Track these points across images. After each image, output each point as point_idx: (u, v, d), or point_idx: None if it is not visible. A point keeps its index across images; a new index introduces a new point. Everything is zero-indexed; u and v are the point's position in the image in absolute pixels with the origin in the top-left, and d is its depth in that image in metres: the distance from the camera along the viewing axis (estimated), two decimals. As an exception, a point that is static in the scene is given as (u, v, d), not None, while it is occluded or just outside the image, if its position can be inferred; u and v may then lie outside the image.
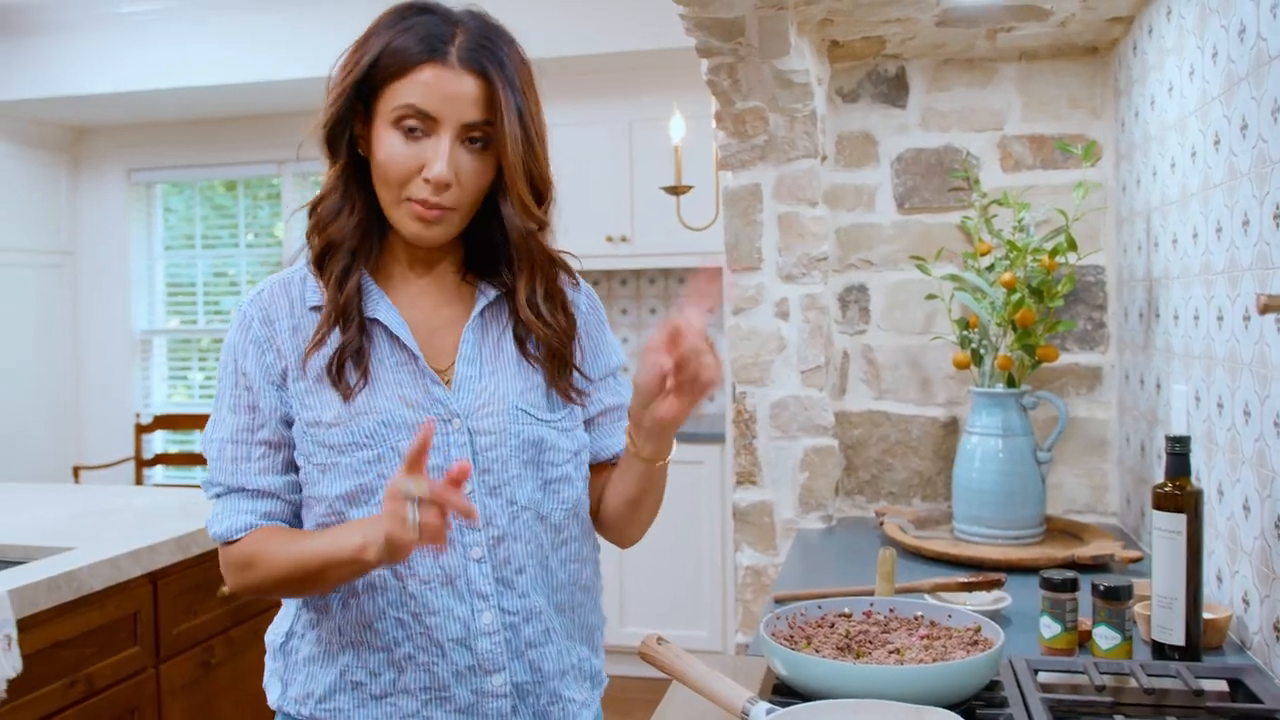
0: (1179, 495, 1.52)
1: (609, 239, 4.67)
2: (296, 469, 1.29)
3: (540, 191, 1.29)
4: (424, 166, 1.21)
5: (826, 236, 2.53)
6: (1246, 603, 1.59)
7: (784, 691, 1.35)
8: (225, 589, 1.38)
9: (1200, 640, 1.52)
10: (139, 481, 5.57)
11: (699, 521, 4.33)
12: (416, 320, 1.30)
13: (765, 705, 1.20)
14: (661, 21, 3.85)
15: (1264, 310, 1.08)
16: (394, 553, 1.12)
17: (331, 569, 1.20)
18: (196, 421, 5.62)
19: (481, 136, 1.23)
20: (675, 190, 2.98)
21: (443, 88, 1.20)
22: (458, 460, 1.22)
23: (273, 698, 1.34)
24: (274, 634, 1.37)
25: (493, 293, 1.32)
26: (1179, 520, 1.51)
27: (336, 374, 1.23)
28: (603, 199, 4.66)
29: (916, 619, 1.46)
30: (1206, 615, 1.57)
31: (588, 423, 1.39)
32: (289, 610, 1.35)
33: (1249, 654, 1.57)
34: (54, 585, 2.00)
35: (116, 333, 5.91)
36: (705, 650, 4.13)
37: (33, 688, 1.95)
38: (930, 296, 2.52)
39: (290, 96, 5.12)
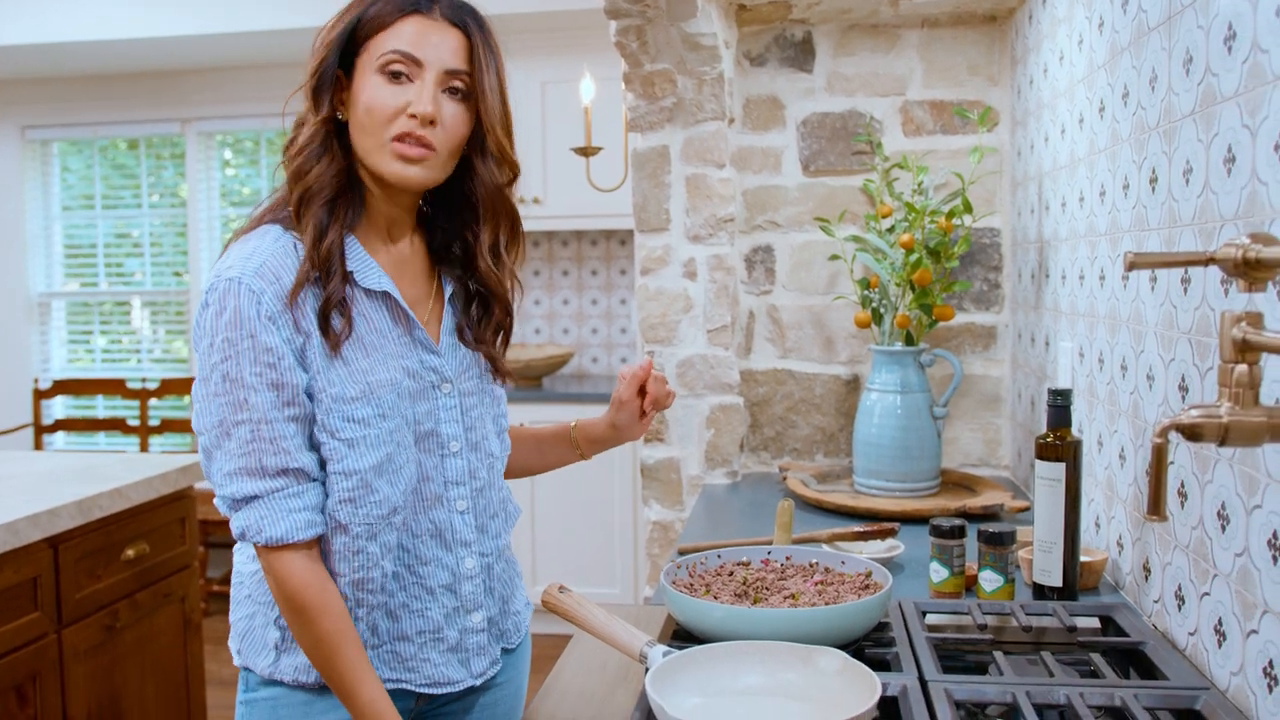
0: (1059, 445, 1.60)
1: (521, 200, 4.61)
2: (316, 446, 1.26)
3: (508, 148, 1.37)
4: (408, 105, 1.25)
5: (733, 198, 2.57)
6: (1121, 546, 1.68)
7: (684, 637, 1.40)
8: (279, 599, 1.27)
9: (1077, 582, 1.60)
10: (39, 448, 5.42)
11: (610, 479, 4.38)
12: (403, 288, 1.34)
13: (663, 648, 1.25)
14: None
15: (1130, 267, 1.15)
16: None
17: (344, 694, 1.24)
18: (99, 386, 5.49)
19: (461, 88, 1.29)
20: (585, 152, 2.99)
21: (426, 34, 1.27)
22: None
23: (262, 665, 1.32)
24: (257, 607, 1.34)
25: (454, 282, 1.40)
26: (1059, 469, 1.59)
27: (323, 324, 1.23)
28: (515, 161, 4.63)
29: (811, 566, 1.52)
30: (1083, 558, 1.66)
31: None
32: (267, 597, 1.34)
33: (1121, 594, 1.67)
34: (-51, 549, 1.97)
35: (13, 296, 5.72)
36: (616, 604, 4.19)
37: (-71, 653, 1.92)
38: (834, 257, 2.58)
39: (195, 53, 4.99)
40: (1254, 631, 1.19)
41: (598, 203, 3.90)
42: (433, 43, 1.27)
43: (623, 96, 2.63)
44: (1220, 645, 1.28)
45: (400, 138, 1.25)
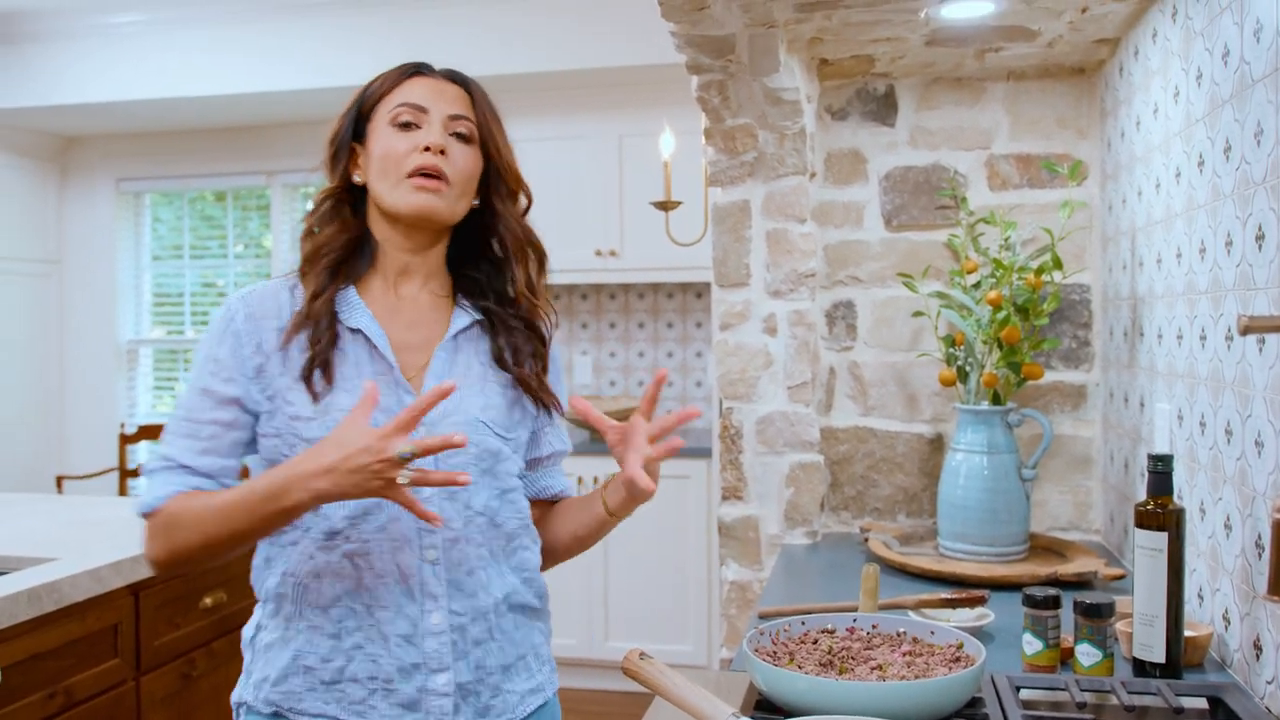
0: (1161, 513, 1.52)
1: (598, 253, 4.67)
2: (242, 455, 1.37)
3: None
4: (419, 144, 1.36)
5: (814, 253, 2.54)
6: (1227, 620, 1.59)
7: (766, 707, 1.35)
8: (151, 561, 1.34)
9: (1181, 658, 1.52)
10: (123, 492, 5.54)
11: (685, 536, 4.33)
12: (394, 334, 1.39)
13: (747, 720, 1.20)
14: (652, 37, 3.86)
15: (1245, 331, 1.09)
16: (359, 493, 1.21)
17: (270, 516, 1.25)
18: (182, 432, 5.60)
19: (465, 132, 1.40)
20: (664, 205, 2.99)
21: (429, 89, 1.40)
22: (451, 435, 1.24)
23: (236, 692, 1.40)
24: (246, 631, 1.43)
25: (473, 315, 1.43)
26: (1160, 538, 1.52)
27: (307, 379, 1.32)
28: (592, 213, 4.67)
29: (899, 635, 1.47)
30: (1188, 633, 1.58)
31: (534, 462, 1.52)
32: (259, 607, 1.41)
33: (1229, 672, 1.58)
34: (34, 596, 1.99)
35: (102, 342, 5.89)
36: (690, 665, 4.12)
37: (12, 699, 1.94)
38: (917, 314, 2.53)
39: (280, 108, 5.13)
40: (1383, 721, 1.11)
41: (674, 256, 3.89)
42: (435, 91, 1.40)
43: (702, 150, 2.63)
44: (1344, 734, 1.20)
45: (414, 173, 1.35)
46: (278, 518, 1.25)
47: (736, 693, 1.48)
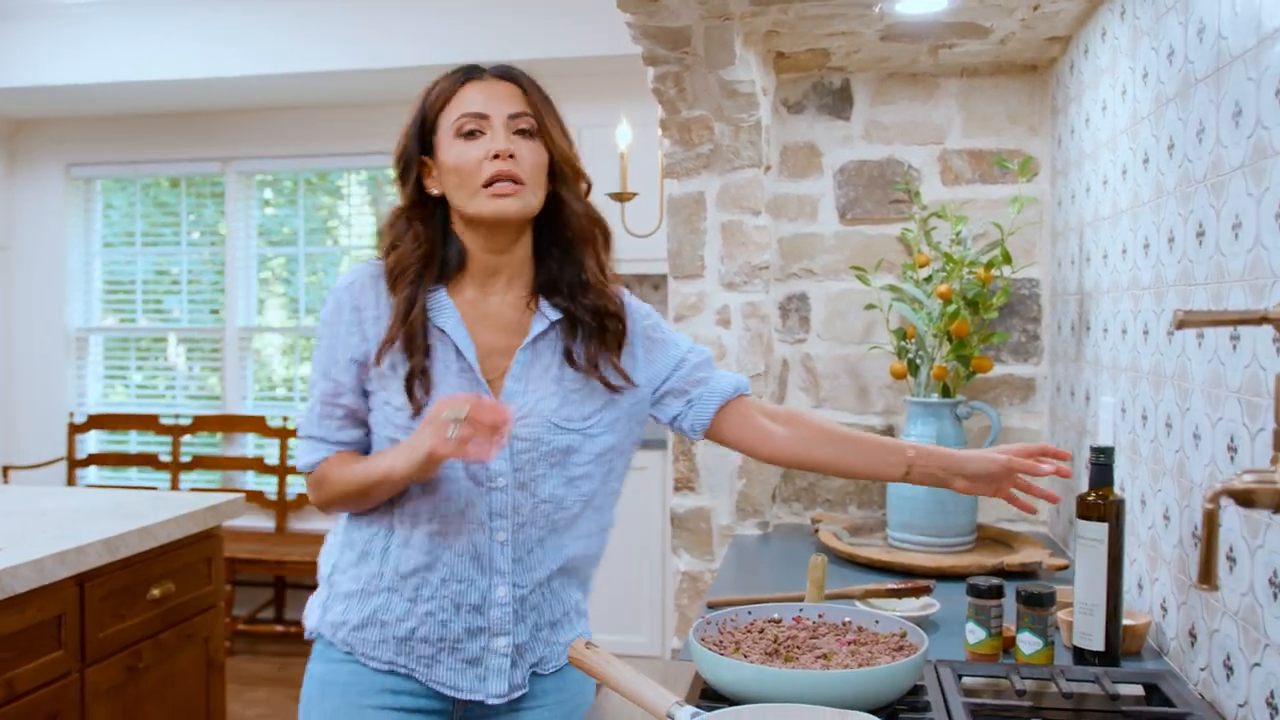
0: (1101, 504, 1.55)
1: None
2: (368, 422, 1.52)
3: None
4: (488, 152, 1.44)
5: (769, 245, 2.55)
6: (1165, 610, 1.62)
7: (712, 696, 1.36)
8: (314, 505, 1.55)
9: (1119, 646, 1.55)
10: (71, 482, 5.47)
11: (639, 527, 4.34)
12: (480, 337, 1.50)
13: (690, 710, 1.21)
14: (609, 29, 3.85)
15: (1180, 325, 1.11)
16: (425, 468, 1.37)
17: (372, 486, 1.44)
18: (133, 421, 5.53)
19: (527, 127, 1.47)
20: (620, 197, 2.99)
21: (485, 92, 1.47)
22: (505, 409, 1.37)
23: (311, 622, 1.55)
24: (323, 565, 1.58)
25: (551, 317, 1.51)
26: (1101, 529, 1.54)
27: (409, 393, 1.45)
28: (550, 204, 4.65)
29: (845, 625, 1.48)
30: (1126, 621, 1.61)
31: (694, 382, 1.60)
32: (334, 546, 1.57)
33: (1166, 659, 1.61)
34: (-25, 585, 1.96)
35: (51, 330, 5.79)
36: (643, 655, 4.14)
37: (-49, 690, 1.91)
38: (869, 306, 2.55)
39: (236, 94, 5.07)
40: (1310, 707, 1.14)
41: (631, 247, 3.87)
42: (492, 96, 1.47)
43: (659, 142, 2.63)
44: (1273, 719, 1.23)
45: (490, 182, 1.43)
46: (381, 486, 1.44)
47: (685, 682, 1.49)
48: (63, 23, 4.88)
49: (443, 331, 1.47)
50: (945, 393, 2.32)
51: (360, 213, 5.56)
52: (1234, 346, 1.36)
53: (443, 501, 1.46)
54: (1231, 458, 1.35)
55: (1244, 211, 1.33)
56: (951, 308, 2.29)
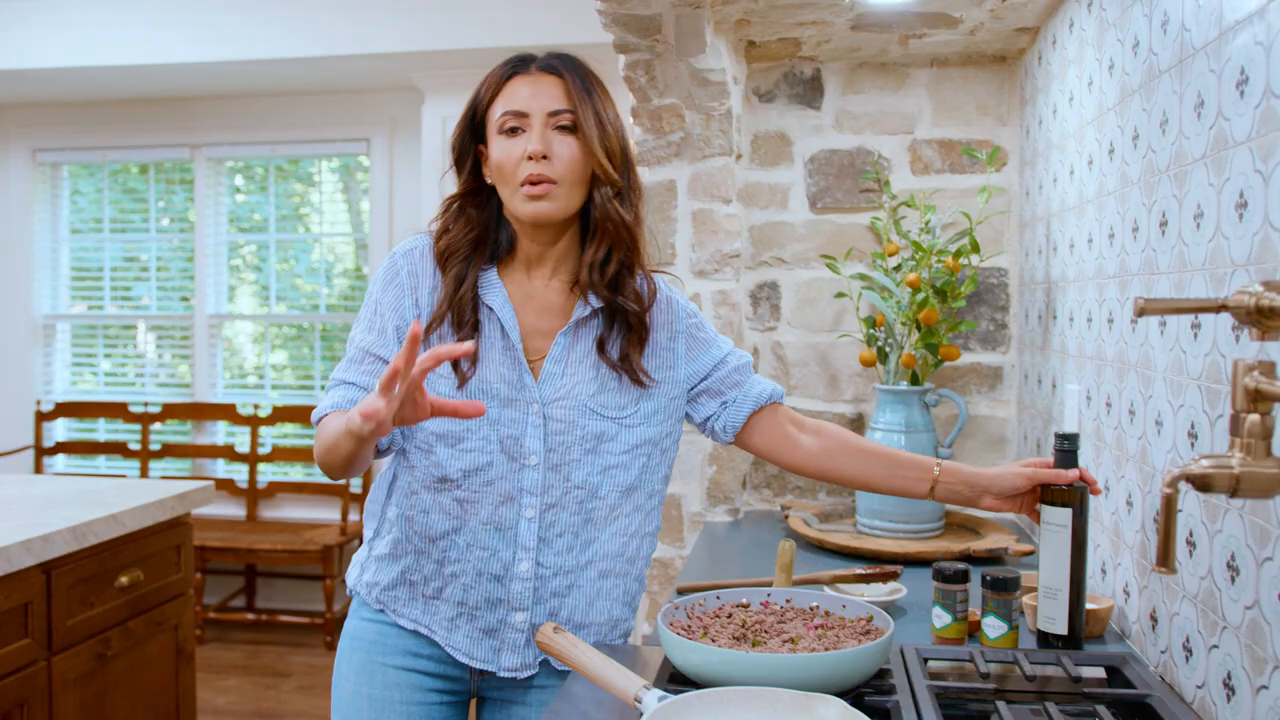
0: (1065, 490, 1.57)
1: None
2: None
3: (619, 169, 1.53)
4: (525, 151, 1.47)
5: (740, 234, 2.56)
6: (1127, 594, 1.65)
7: (680, 680, 1.37)
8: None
9: (1082, 630, 1.57)
10: (39, 470, 5.41)
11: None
12: (525, 319, 1.55)
13: (658, 693, 1.22)
14: (580, 17, 3.85)
15: (1140, 313, 1.13)
16: (361, 426, 1.28)
17: (341, 437, 1.39)
18: (101, 409, 5.48)
19: (567, 124, 1.48)
20: (593, 184, 2.99)
21: (528, 89, 1.49)
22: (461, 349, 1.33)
23: (351, 579, 1.64)
24: (367, 526, 1.65)
25: (593, 305, 1.54)
26: (1065, 514, 1.56)
27: (454, 366, 1.50)
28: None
29: (812, 609, 1.49)
30: (1089, 606, 1.63)
31: (730, 384, 1.63)
32: (375, 508, 1.63)
33: (1128, 643, 1.63)
34: (-60, 574, 1.94)
35: (17, 317, 5.72)
36: (612, 643, 4.14)
37: (-85, 679, 1.89)
38: (839, 295, 2.57)
39: (205, 79, 5.02)
40: (1264, 687, 1.16)
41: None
42: (535, 93, 1.49)
43: (629, 130, 2.63)
44: (1229, 700, 1.25)
45: (524, 182, 1.46)
46: (353, 443, 1.35)
47: (655, 666, 1.50)
48: (27, 6, 4.81)
49: (490, 309, 1.52)
50: (914, 380, 2.34)
51: (332, 200, 5.52)
52: (1195, 335, 1.38)
53: (475, 471, 1.51)
54: (1192, 444, 1.38)
55: (1205, 201, 1.35)
56: (920, 296, 2.31)
